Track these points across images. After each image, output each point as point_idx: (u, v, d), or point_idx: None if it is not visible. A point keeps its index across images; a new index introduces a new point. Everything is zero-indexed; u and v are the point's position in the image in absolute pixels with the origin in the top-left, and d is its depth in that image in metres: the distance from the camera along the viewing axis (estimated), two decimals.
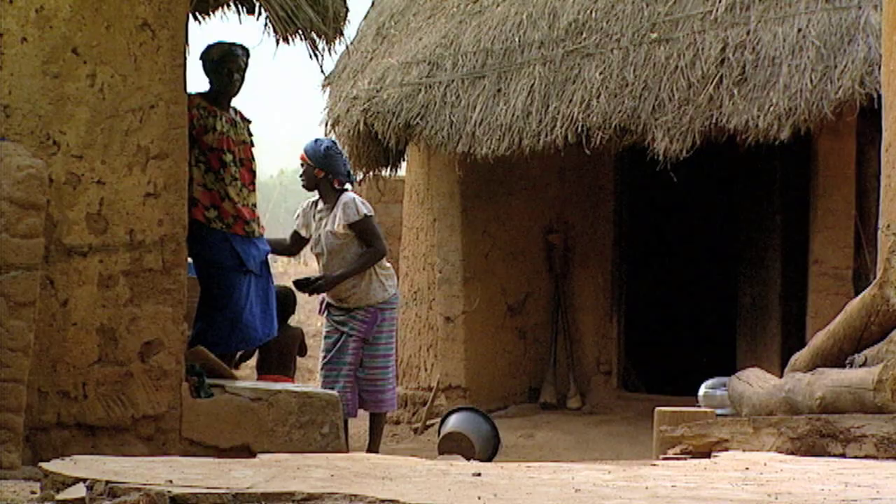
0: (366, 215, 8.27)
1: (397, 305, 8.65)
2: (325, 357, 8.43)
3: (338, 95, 11.39)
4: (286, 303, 8.83)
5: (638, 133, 9.54)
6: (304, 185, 8.57)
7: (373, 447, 8.48)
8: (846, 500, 3.92)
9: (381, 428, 8.66)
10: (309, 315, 13.95)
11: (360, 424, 10.79)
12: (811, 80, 8.92)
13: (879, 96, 7.14)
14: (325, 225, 8.37)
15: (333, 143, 8.67)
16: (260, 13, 7.33)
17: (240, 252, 7.21)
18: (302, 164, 8.44)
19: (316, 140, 8.52)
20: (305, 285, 8.42)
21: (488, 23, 10.70)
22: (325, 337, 8.52)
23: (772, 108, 8.97)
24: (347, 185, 8.51)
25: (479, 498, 3.74)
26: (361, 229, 8.26)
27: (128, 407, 6.44)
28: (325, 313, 8.55)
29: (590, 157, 10.13)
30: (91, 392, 6.36)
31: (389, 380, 8.55)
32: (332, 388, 8.08)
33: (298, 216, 8.73)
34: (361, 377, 8.35)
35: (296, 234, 8.74)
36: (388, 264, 8.55)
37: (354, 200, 8.33)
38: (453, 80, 10.45)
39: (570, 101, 9.81)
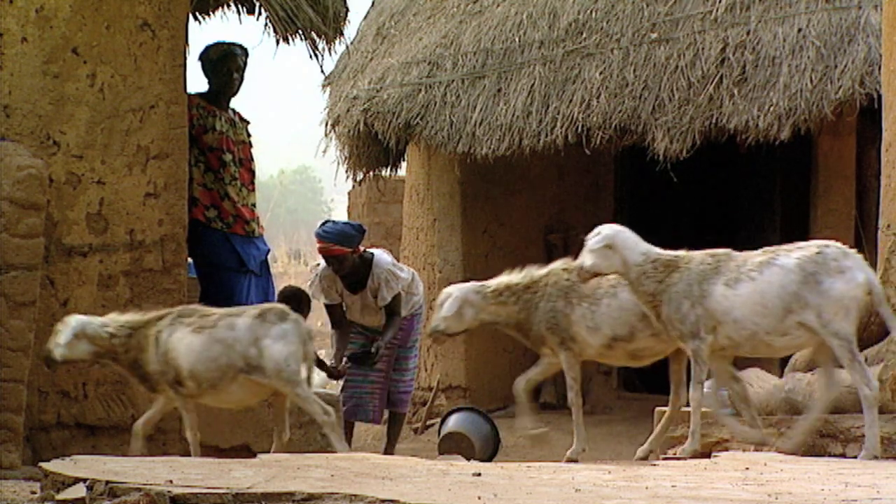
0: (400, 278, 8.03)
1: (424, 305, 8.54)
2: (352, 357, 8.26)
3: (338, 95, 11.38)
4: (294, 303, 8.80)
5: (638, 133, 9.53)
6: (343, 274, 7.99)
7: (390, 447, 8.46)
8: (846, 500, 3.92)
9: (401, 427, 8.67)
10: (309, 315, 13.94)
11: (359, 424, 10.77)
12: (811, 80, 8.91)
13: (879, 96, 7.14)
14: (367, 297, 8.06)
15: (336, 222, 8.19)
16: (260, 13, 7.33)
17: (240, 252, 7.21)
18: (336, 258, 7.88)
19: (331, 227, 7.98)
20: (364, 360, 8.06)
21: (488, 23, 10.69)
22: (351, 342, 8.35)
23: (772, 108, 8.97)
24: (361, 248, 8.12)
25: (479, 498, 3.75)
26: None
27: (128, 407, 6.44)
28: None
29: (590, 157, 10.12)
30: (91, 392, 6.36)
31: (415, 380, 8.60)
32: (356, 391, 8.07)
33: (315, 286, 8.21)
34: (396, 378, 8.30)
35: (333, 307, 8.26)
36: (405, 269, 8.42)
37: (392, 272, 8.02)
38: (453, 80, 10.45)
39: (570, 101, 9.80)
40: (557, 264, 6.40)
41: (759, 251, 5.86)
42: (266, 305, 5.86)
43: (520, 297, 6.26)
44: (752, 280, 5.69)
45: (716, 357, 5.91)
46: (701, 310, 5.74)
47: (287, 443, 5.97)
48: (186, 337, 5.69)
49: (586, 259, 5.86)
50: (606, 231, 5.90)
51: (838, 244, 5.81)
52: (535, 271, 6.37)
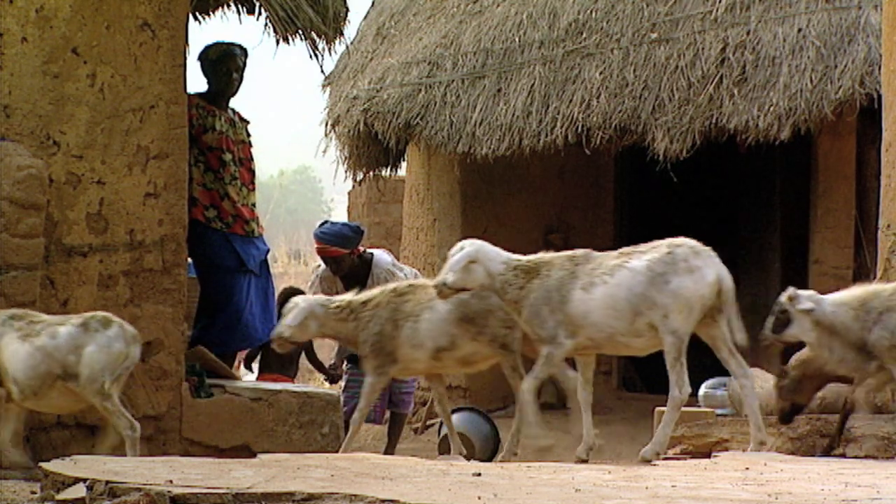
0: (399, 278, 8.00)
1: None
2: (351, 358, 8.26)
3: (338, 95, 11.39)
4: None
5: (638, 133, 9.54)
6: (342, 275, 8.04)
7: (391, 447, 8.46)
8: (846, 500, 3.92)
9: (402, 428, 8.67)
10: None
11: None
12: (811, 80, 8.91)
13: (879, 96, 7.15)
14: None
15: (334, 223, 8.28)
16: (260, 13, 7.33)
17: (239, 252, 7.21)
18: (334, 259, 7.96)
19: (329, 228, 8.04)
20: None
21: (488, 23, 10.70)
22: None
23: (772, 108, 8.97)
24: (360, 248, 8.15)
25: (479, 498, 3.75)
26: None
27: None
28: None
29: (590, 157, 10.12)
30: None
31: (417, 380, 8.59)
32: (358, 391, 8.07)
33: (315, 287, 8.25)
34: (398, 379, 8.30)
35: None
36: (405, 269, 8.41)
37: (391, 272, 8.01)
38: (453, 80, 10.45)
39: (570, 101, 9.81)
40: (389, 286, 6.39)
41: (616, 252, 5.92)
42: (89, 313, 5.81)
43: (358, 314, 6.25)
44: (605, 283, 5.75)
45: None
46: (561, 315, 5.78)
47: (116, 444, 5.82)
48: (12, 343, 5.66)
49: (449, 276, 5.85)
50: (469, 247, 5.91)
51: (691, 242, 5.88)
52: (373, 290, 6.36)
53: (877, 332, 5.86)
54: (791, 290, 5.91)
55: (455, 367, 6.46)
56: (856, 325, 5.87)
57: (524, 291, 5.82)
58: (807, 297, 5.88)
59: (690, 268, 5.69)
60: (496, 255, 5.91)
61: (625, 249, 5.92)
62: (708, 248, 5.83)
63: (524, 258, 5.98)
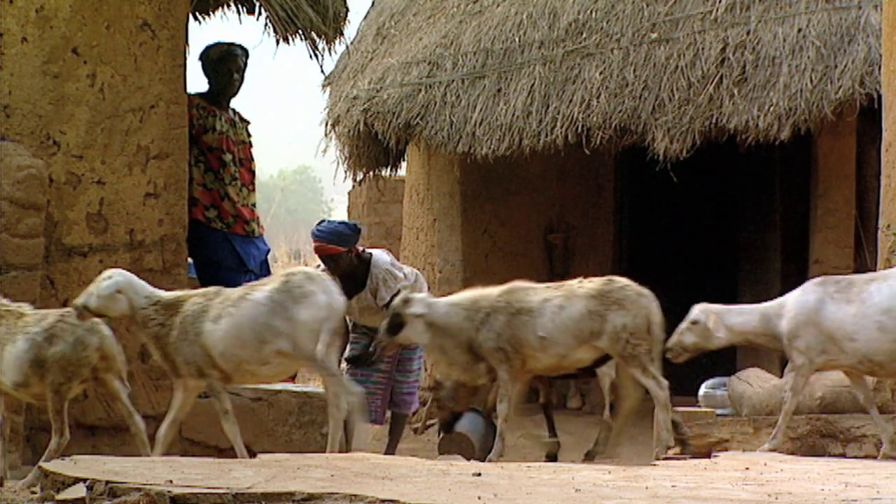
0: (398, 277, 7.96)
1: None
2: (351, 359, 8.23)
3: (338, 95, 11.38)
4: None
5: (638, 133, 9.53)
6: (340, 274, 7.84)
7: (392, 447, 8.45)
8: (846, 500, 3.92)
9: (402, 428, 8.65)
10: None
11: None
12: (811, 80, 8.91)
13: (879, 96, 7.15)
14: (367, 297, 8.01)
15: (331, 221, 8.17)
16: (260, 13, 7.33)
17: (240, 252, 7.21)
18: (331, 257, 7.86)
19: (326, 226, 7.94)
20: (363, 361, 8.02)
21: (488, 23, 10.69)
22: (352, 342, 8.30)
23: (772, 108, 8.97)
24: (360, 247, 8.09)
25: (479, 498, 3.75)
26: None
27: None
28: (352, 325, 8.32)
29: (590, 157, 10.12)
30: (91, 392, 6.35)
31: (419, 381, 8.56)
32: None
33: None
34: (400, 380, 8.27)
35: None
36: (405, 269, 8.37)
37: (390, 272, 7.92)
38: (453, 80, 10.45)
39: (570, 101, 9.80)
40: None
41: (241, 287, 6.07)
42: None
43: None
44: (230, 315, 5.85)
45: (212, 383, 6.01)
46: (198, 348, 5.87)
47: None
48: None
49: (92, 300, 5.84)
50: (117, 276, 5.94)
51: (306, 269, 6.14)
52: None
53: (483, 333, 6.31)
54: (404, 294, 6.43)
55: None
56: (466, 324, 6.31)
57: (165, 329, 5.92)
58: (419, 301, 6.37)
59: (304, 293, 5.82)
60: (142, 290, 5.97)
61: (250, 283, 6.11)
62: (322, 274, 6.02)
63: (165, 295, 6.04)
